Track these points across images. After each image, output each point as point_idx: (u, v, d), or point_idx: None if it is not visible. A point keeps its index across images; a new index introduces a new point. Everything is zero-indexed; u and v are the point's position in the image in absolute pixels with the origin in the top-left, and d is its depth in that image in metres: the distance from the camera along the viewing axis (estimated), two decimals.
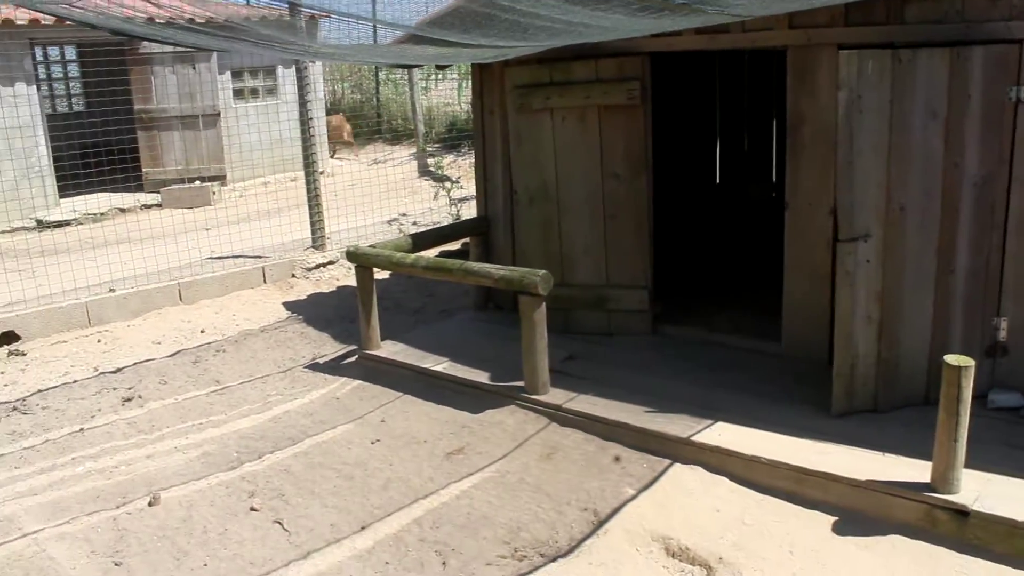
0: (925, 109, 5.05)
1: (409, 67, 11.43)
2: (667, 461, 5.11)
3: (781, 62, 6.12)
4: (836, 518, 4.57)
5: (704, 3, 4.59)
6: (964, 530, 4.33)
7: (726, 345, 6.52)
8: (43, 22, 12.57)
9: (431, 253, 8.14)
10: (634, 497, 4.81)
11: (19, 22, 12.46)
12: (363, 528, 4.74)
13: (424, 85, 17.98)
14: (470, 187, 12.77)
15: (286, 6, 9.25)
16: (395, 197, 12.55)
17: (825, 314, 5.87)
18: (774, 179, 9.59)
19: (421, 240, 7.54)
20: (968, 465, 4.44)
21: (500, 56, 6.42)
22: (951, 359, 4.26)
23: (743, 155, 9.98)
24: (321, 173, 11.20)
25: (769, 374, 5.94)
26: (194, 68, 14.49)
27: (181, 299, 8.92)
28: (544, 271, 5.79)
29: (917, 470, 4.55)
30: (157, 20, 7.79)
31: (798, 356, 6.03)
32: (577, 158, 6.75)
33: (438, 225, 9.64)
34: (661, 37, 6.21)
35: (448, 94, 18.89)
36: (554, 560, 4.36)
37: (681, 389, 5.80)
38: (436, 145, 17.10)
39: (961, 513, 4.34)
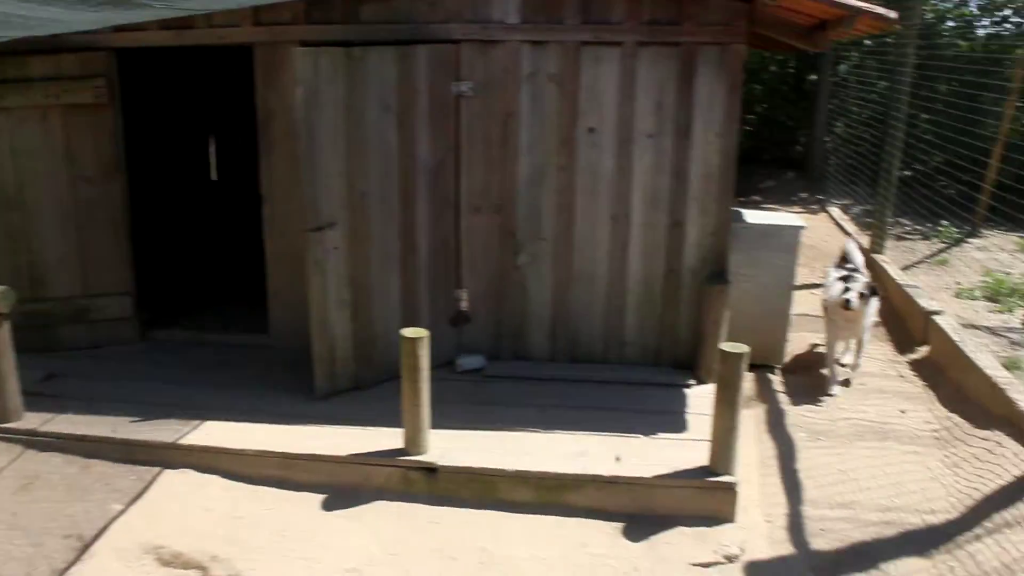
0: (379, 103, 5.43)
1: None
2: (156, 469, 4.99)
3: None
4: (325, 495, 4.81)
5: None
6: (435, 485, 4.82)
7: (217, 343, 6.52)
8: None
9: None
10: (122, 512, 4.64)
11: None
12: None
13: None
14: None
15: None
16: None
17: (304, 301, 6.09)
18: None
19: None
20: (439, 426, 4.94)
21: None
22: (407, 332, 4.68)
23: (238, 151, 9.95)
24: None
25: (258, 367, 6.06)
26: None
27: None
28: (3, 286, 5.30)
29: (394, 438, 4.93)
30: None
31: (286, 346, 6.20)
32: (41, 162, 6.22)
33: None
34: (127, 32, 5.93)
35: None
36: None
37: (169, 393, 5.69)
38: None
39: (430, 470, 4.82)
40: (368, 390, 5.65)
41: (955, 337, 6.36)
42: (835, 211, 11.42)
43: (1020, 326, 7.00)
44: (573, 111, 5.68)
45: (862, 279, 6.17)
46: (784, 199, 12.47)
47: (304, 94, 5.20)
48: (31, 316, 5.99)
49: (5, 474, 5.08)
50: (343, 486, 4.88)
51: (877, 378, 6.44)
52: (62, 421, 5.37)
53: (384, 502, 4.79)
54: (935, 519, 4.65)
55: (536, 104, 5.71)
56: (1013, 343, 6.60)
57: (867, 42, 11.83)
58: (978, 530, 4.48)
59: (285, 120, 5.94)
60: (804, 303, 7.57)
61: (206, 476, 4.92)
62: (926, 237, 9.70)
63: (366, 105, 5.41)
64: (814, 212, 11.71)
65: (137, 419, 5.32)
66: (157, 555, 4.36)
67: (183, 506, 4.69)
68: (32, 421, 5.38)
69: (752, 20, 5.42)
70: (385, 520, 4.64)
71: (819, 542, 4.52)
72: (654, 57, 5.54)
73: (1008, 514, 4.56)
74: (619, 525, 4.61)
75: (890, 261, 8.50)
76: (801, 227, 6.29)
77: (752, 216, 6.54)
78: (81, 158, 6.27)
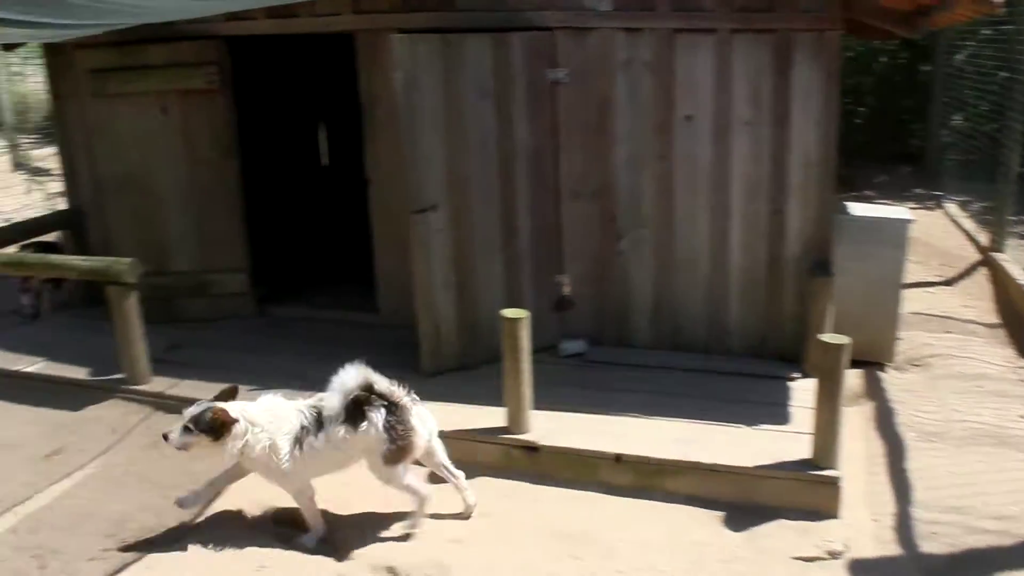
0: (477, 89, 5.51)
1: None
2: None
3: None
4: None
5: None
6: (536, 463, 4.88)
7: (329, 320, 6.73)
8: None
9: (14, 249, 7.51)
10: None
11: None
12: None
13: (19, 70, 16.30)
14: None
15: None
16: None
17: (410, 282, 6.22)
18: None
19: (1, 236, 6.95)
20: (542, 407, 4.99)
21: (57, 37, 6.05)
22: (507, 313, 4.74)
23: (347, 137, 10.19)
24: None
25: (367, 343, 6.14)
26: None
27: None
28: (131, 259, 5.61)
29: (497, 417, 5.01)
30: None
31: (394, 324, 6.34)
32: (161, 145, 6.57)
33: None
34: (236, 21, 6.20)
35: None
36: (164, 544, 4.29)
37: (285, 365, 5.89)
38: (35, 136, 15.62)
39: (532, 449, 4.87)
40: (473, 370, 5.73)
41: None
42: (952, 208, 11.01)
43: None
44: (669, 98, 5.64)
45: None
46: (898, 195, 12.05)
47: (404, 80, 5.31)
48: (156, 289, 6.30)
49: (136, 431, 5.41)
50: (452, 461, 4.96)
51: (996, 381, 6.18)
52: (186, 386, 5.66)
53: (487, 478, 4.85)
54: None
55: (632, 92, 5.68)
56: None
57: (984, 31, 11.34)
58: None
59: (388, 105, 6.03)
60: (918, 301, 7.34)
61: None
62: None
63: (464, 90, 5.48)
64: (930, 209, 11.29)
65: (255, 388, 5.52)
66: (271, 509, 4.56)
67: None
68: (159, 385, 5.73)
69: (847, 6, 5.28)
70: (488, 495, 4.70)
71: (929, 545, 4.36)
72: (749, 44, 5.45)
73: None
74: (720, 514, 4.56)
75: (1011, 260, 8.16)
76: (909, 220, 6.10)
77: (858, 209, 6.38)
78: (197, 141, 6.59)
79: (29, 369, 6.14)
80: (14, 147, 14.65)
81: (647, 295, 5.99)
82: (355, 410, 4.16)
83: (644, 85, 5.66)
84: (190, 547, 4.20)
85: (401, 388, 4.25)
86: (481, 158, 5.57)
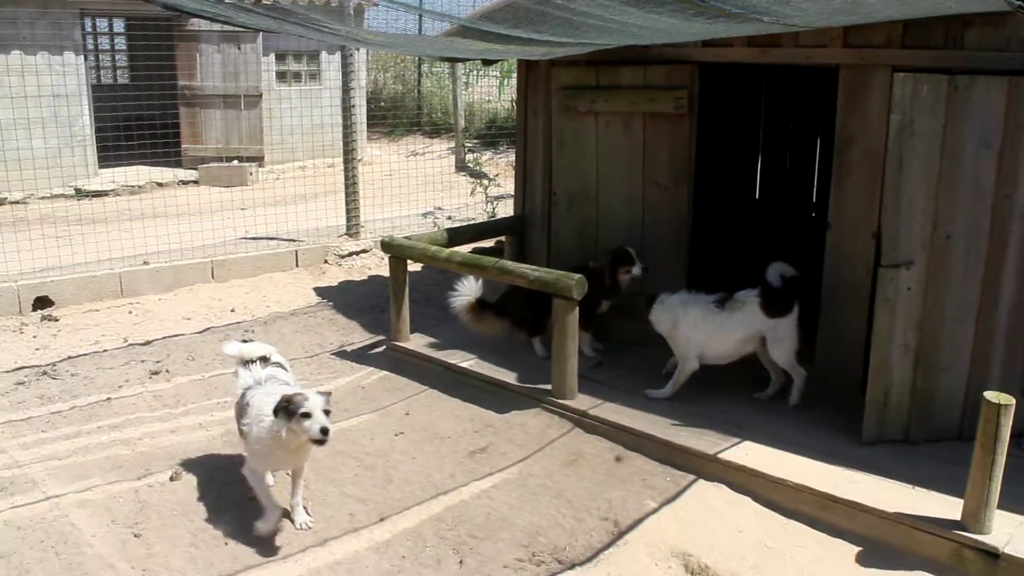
0: (979, 139, 4.95)
1: (455, 60, 11.40)
2: (691, 477, 5.05)
3: (829, 80, 6.04)
4: (860, 548, 4.49)
5: (760, 12, 4.53)
6: (994, 572, 4.24)
7: (754, 362, 6.43)
8: None
9: (465, 249, 8.11)
10: (656, 510, 4.76)
11: None
12: (382, 520, 4.73)
13: (466, 80, 17.95)
14: (507, 185, 12.76)
15: None
16: (431, 190, 12.55)
17: (860, 338, 5.78)
18: (814, 199, 9.49)
19: (456, 235, 7.51)
20: (1000, 506, 4.35)
21: (548, 55, 6.38)
22: (991, 395, 4.17)
23: (784, 173, 9.88)
24: (359, 161, 11.20)
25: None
26: (239, 48, 14.56)
27: (213, 277, 8.96)
28: (579, 275, 5.75)
29: (947, 507, 4.47)
30: None
31: (829, 379, 5.92)
32: (619, 164, 6.70)
33: (474, 221, 9.58)
34: (712, 47, 6.17)
35: (489, 91, 18.86)
36: (571, 568, 4.32)
37: (707, 404, 5.74)
38: (475, 141, 17.08)
39: (991, 555, 4.25)
40: (917, 445, 5.19)
41: None
42: None
43: None
44: None
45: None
46: None
47: (899, 122, 4.91)
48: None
49: (557, 444, 5.51)
50: (881, 542, 4.50)
51: None
52: (608, 409, 5.69)
53: (926, 573, 4.33)
54: None
55: None
56: None
57: None
58: None
59: (865, 146, 5.67)
60: None
61: (740, 496, 4.86)
62: None
63: (964, 139, 4.94)
64: None
65: (676, 423, 5.45)
66: (685, 562, 4.39)
67: (715, 521, 4.67)
68: (583, 403, 5.79)
69: None
70: None
71: None
72: None
73: None
74: None
75: None
76: None
77: None
78: (655, 164, 6.61)
79: (464, 364, 6.54)
80: (460, 149, 16.06)
81: None
82: None
83: None
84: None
85: None
86: (970, 217, 5.00)
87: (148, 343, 7.26)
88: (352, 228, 10.19)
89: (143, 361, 6.85)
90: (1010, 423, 4.14)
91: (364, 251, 9.95)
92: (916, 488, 4.72)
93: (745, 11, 4.46)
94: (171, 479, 5.05)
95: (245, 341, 5.16)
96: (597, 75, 6.64)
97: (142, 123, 12.14)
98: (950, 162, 4.94)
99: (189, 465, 5.24)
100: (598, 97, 6.65)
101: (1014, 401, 4.14)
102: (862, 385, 5.46)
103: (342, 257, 9.79)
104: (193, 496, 4.91)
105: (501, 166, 15.29)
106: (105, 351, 7.08)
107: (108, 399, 6.15)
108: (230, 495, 4.90)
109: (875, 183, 5.61)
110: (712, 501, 4.83)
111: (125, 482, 5.04)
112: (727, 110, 8.69)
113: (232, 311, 8.19)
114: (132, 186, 12.83)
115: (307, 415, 4.13)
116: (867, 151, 5.62)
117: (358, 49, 11.80)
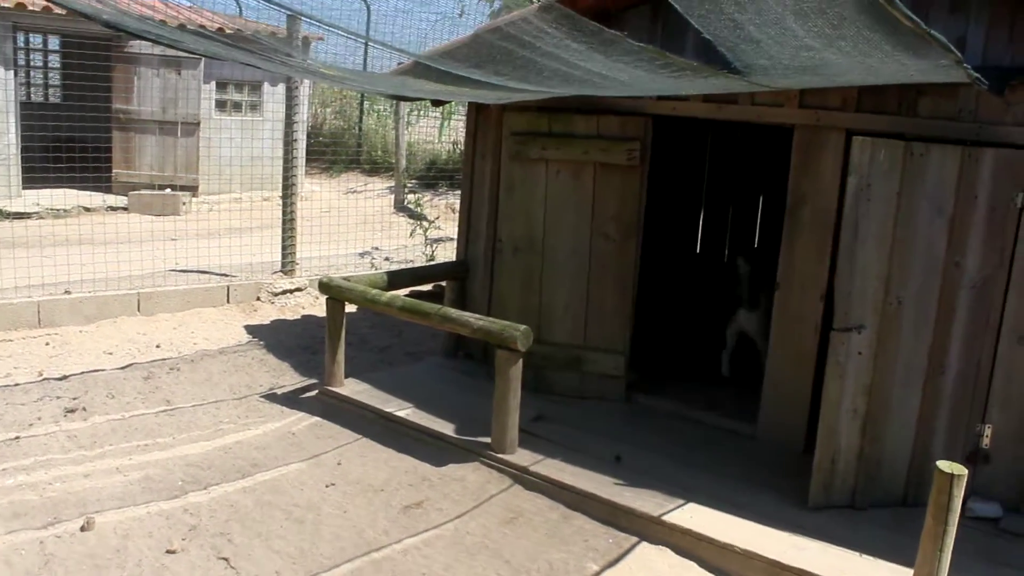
0: (932, 206, 4.96)
1: (405, 99, 11.25)
2: (634, 539, 4.89)
3: (778, 139, 6.04)
4: None
5: (725, 69, 4.48)
6: None
7: (698, 422, 6.33)
8: (30, 7, 12.28)
9: (403, 293, 7.90)
10: (598, 574, 4.58)
11: (4, 4, 12.15)
12: None
13: (407, 120, 17.81)
14: (447, 228, 12.60)
15: (283, 17, 9.02)
16: (369, 229, 12.32)
17: (806, 400, 5.73)
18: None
19: (396, 279, 7.32)
20: None
21: (502, 99, 6.26)
22: (944, 465, 4.08)
23: (725, 227, 9.90)
24: (298, 196, 10.93)
25: (742, 458, 5.76)
26: (179, 74, 14.23)
27: (139, 310, 8.58)
28: (525, 327, 5.59)
29: (893, 574, 4.38)
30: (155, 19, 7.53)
31: (774, 440, 5.86)
32: (568, 213, 6.58)
33: (413, 265, 9.38)
34: (667, 100, 6.13)
35: (429, 132, 18.74)
36: None
37: (651, 464, 5.59)
38: (414, 182, 16.90)
39: None
40: (863, 511, 5.11)
41: None
42: None
43: None
44: None
45: None
46: None
47: (856, 185, 4.90)
48: (530, 356, 6.23)
49: (495, 501, 5.29)
50: None
51: None
52: (550, 465, 5.50)
53: None
54: None
55: None
56: None
57: None
58: None
59: (816, 207, 5.67)
60: None
61: (684, 561, 4.71)
62: None
63: (918, 205, 4.95)
64: None
65: (620, 482, 5.28)
66: None
67: None
68: (524, 458, 5.59)
69: None
70: None
71: None
72: None
73: None
74: None
75: None
76: None
77: None
78: (603, 215, 6.52)
79: (400, 413, 6.28)
80: (399, 189, 15.86)
81: None
82: None
83: None
84: None
85: None
86: (922, 282, 4.98)
87: (65, 378, 6.87)
88: (288, 265, 9.90)
89: (58, 397, 6.46)
90: (962, 494, 4.07)
91: (299, 289, 9.66)
92: (863, 556, 4.63)
93: (711, 67, 4.40)
94: (82, 529, 4.69)
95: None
96: (550, 122, 6.54)
97: (72, 144, 11.68)
98: (904, 227, 4.93)
99: (102, 513, 4.88)
100: (549, 144, 6.54)
101: (967, 472, 4.07)
102: (806, 446, 5.38)
103: (275, 295, 9.48)
104: (105, 548, 4.56)
105: (441, 208, 15.13)
106: (17, 385, 6.66)
107: (16, 438, 5.75)
108: (145, 549, 4.57)
109: (825, 244, 5.61)
110: (656, 565, 4.67)
111: (29, 531, 4.66)
112: (673, 163, 8.68)
113: (158, 347, 7.83)
114: (57, 209, 12.32)
115: None
116: (818, 211, 5.62)
117: (302, 81, 11.58)
